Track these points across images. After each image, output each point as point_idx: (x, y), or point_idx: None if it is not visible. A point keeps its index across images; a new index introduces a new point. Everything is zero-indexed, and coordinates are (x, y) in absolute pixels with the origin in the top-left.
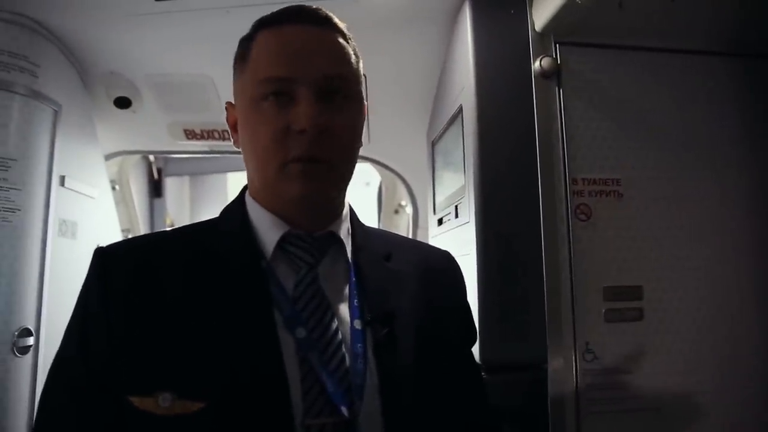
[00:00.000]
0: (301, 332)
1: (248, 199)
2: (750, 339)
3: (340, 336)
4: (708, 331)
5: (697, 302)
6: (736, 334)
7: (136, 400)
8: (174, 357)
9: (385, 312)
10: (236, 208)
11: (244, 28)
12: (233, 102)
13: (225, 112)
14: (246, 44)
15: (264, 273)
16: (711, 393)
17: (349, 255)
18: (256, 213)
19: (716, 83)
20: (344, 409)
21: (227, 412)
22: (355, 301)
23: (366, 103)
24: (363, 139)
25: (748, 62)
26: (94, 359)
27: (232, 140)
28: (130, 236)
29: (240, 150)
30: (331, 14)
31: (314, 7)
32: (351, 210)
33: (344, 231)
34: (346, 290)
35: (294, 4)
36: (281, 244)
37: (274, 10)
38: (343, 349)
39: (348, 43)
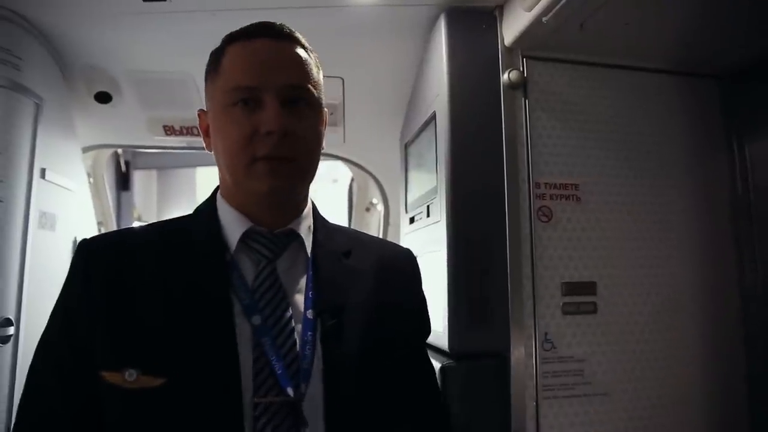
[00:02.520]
0: (257, 319)
1: (219, 198)
2: (691, 330)
3: (293, 324)
4: (654, 324)
5: (644, 297)
6: (679, 326)
7: (107, 375)
8: (141, 337)
9: (334, 304)
10: (207, 207)
11: (229, 29)
12: (205, 109)
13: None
14: (217, 56)
15: (227, 265)
16: (655, 379)
17: (309, 250)
18: (225, 211)
19: (666, 99)
20: (290, 390)
21: (184, 388)
22: (310, 293)
23: (326, 109)
24: (338, 139)
25: (693, 81)
26: (75, 341)
27: (204, 144)
28: (103, 229)
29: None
30: (293, 30)
31: (279, 23)
32: (314, 208)
33: (305, 228)
34: (303, 282)
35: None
36: (244, 239)
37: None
38: (295, 336)
39: (309, 55)
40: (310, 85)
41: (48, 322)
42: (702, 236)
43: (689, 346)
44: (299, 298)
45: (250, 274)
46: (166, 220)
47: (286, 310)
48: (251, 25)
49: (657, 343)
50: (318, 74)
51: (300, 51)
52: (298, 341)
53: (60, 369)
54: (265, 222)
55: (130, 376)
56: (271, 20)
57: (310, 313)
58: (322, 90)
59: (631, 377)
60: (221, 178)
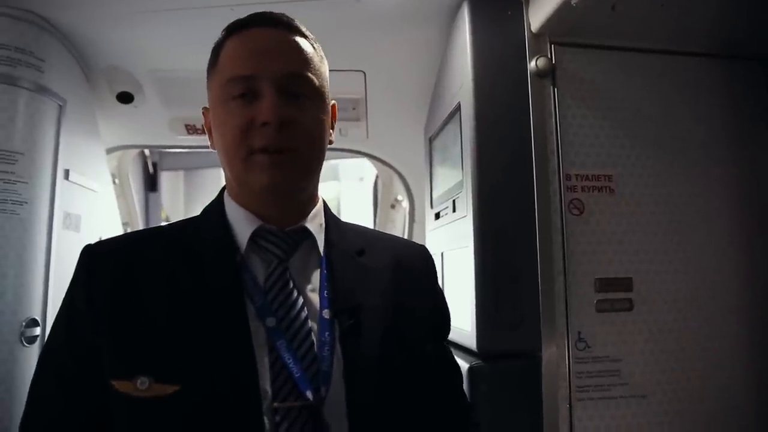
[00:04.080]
0: (271, 321)
1: (226, 197)
2: (732, 329)
3: (309, 325)
4: (693, 321)
5: (683, 293)
6: (719, 324)
7: (117, 384)
8: (152, 344)
9: (352, 304)
10: (215, 206)
11: None
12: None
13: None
14: (216, 51)
15: (238, 266)
16: (694, 380)
17: (322, 249)
18: (232, 209)
19: (705, 83)
20: (309, 394)
21: (199, 396)
22: (326, 292)
23: (333, 101)
24: (361, 135)
25: (734, 64)
26: (79, 349)
27: (209, 143)
28: (129, 230)
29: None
30: (294, 19)
31: (278, 12)
32: (325, 206)
33: (316, 226)
34: (317, 282)
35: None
36: (254, 238)
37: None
38: (312, 338)
39: (311, 44)
40: (310, 74)
41: (50, 332)
42: (745, 228)
43: (733, 344)
44: (314, 298)
45: (261, 274)
46: (174, 222)
47: (302, 310)
48: (250, 14)
49: (698, 342)
50: (321, 64)
51: (299, 39)
52: (315, 342)
53: (64, 379)
54: (273, 220)
55: (143, 384)
56: (291, 13)
57: (326, 314)
58: (327, 81)
59: (671, 378)
60: (226, 178)
